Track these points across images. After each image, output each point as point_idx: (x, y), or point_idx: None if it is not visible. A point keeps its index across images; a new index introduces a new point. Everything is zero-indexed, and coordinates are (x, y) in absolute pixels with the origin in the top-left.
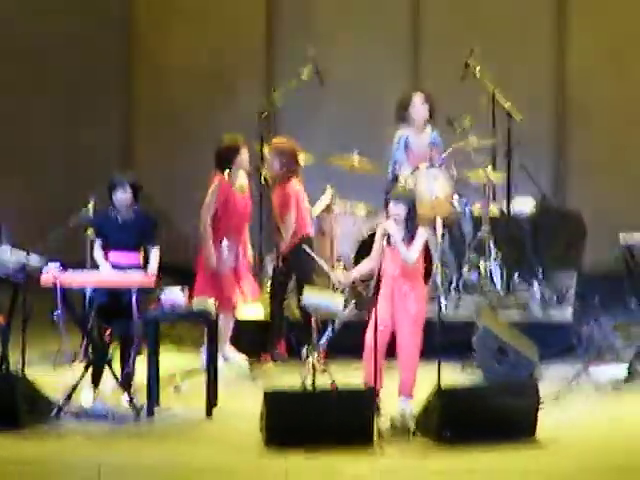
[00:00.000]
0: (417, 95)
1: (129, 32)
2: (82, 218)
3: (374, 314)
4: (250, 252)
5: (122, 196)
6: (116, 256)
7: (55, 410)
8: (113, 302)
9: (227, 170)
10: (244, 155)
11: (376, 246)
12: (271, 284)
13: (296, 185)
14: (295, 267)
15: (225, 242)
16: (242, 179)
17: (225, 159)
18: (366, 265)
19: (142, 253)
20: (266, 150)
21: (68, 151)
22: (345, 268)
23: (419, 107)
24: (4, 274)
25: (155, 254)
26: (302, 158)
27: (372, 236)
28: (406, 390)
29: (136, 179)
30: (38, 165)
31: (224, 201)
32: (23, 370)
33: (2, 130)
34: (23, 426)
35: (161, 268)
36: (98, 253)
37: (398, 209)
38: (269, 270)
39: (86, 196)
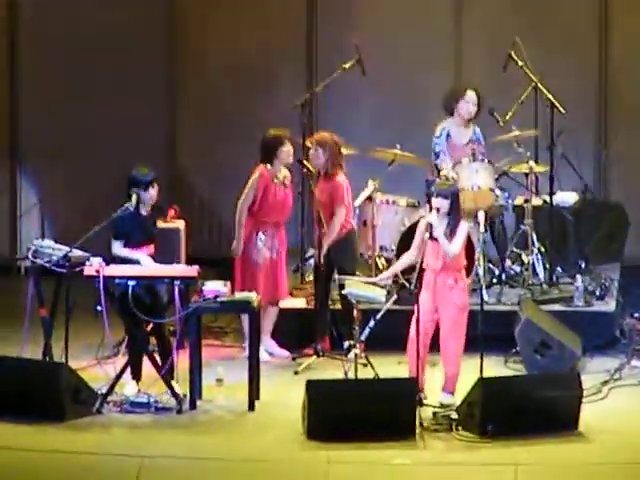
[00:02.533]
0: (470, 90)
1: (174, 25)
2: (124, 213)
3: (417, 307)
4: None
5: (154, 193)
6: (149, 249)
7: (98, 402)
8: (153, 295)
9: (268, 163)
10: (287, 148)
11: (416, 239)
12: (314, 278)
13: (344, 178)
14: (338, 260)
15: (261, 234)
16: (284, 172)
17: (269, 152)
18: (405, 259)
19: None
20: (308, 143)
21: (114, 149)
22: (386, 259)
23: (469, 102)
24: (48, 265)
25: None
26: (345, 151)
27: (414, 227)
28: (449, 384)
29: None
30: (83, 161)
31: (263, 193)
32: (67, 361)
33: (47, 126)
34: (67, 417)
35: (202, 262)
36: (124, 250)
37: (440, 202)
38: (312, 263)
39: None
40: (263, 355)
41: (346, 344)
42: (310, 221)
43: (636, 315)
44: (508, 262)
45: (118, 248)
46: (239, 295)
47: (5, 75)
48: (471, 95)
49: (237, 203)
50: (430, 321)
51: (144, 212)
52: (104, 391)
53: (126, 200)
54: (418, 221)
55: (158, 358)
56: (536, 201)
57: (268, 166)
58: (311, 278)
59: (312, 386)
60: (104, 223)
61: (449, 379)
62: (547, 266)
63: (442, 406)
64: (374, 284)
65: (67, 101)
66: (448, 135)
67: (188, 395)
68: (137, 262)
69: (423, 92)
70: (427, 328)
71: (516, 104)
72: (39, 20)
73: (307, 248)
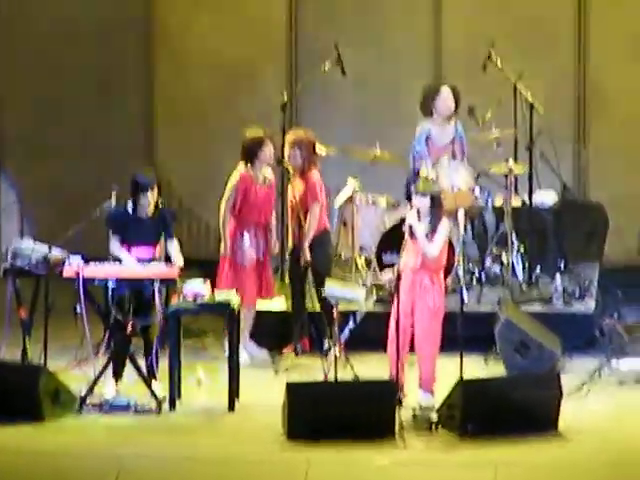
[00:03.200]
0: (444, 87)
1: (152, 22)
2: (103, 212)
3: (396, 307)
4: (276, 246)
5: (150, 197)
6: (136, 251)
7: (77, 403)
8: (135, 295)
9: (249, 163)
10: (268, 148)
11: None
12: (290, 277)
13: (318, 175)
14: (314, 259)
15: (246, 235)
16: (266, 172)
17: (249, 152)
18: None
19: (160, 246)
20: (285, 142)
21: (92, 147)
22: (366, 259)
23: (446, 99)
24: (27, 266)
25: (176, 246)
26: (320, 148)
27: (394, 227)
28: (426, 384)
29: (156, 177)
30: (63, 161)
31: (244, 194)
32: (45, 363)
33: (29, 124)
34: (45, 418)
35: (184, 262)
36: (117, 247)
37: (420, 202)
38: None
39: (109, 189)
40: (243, 356)
41: (326, 345)
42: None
43: (615, 315)
44: (488, 262)
45: (113, 244)
46: (219, 296)
47: None
48: (446, 91)
49: (219, 204)
50: (409, 321)
51: (143, 214)
52: (83, 393)
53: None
54: (401, 222)
55: (142, 359)
56: (515, 201)
57: (249, 166)
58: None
59: (292, 387)
60: (83, 223)
61: (425, 379)
62: (527, 266)
63: (421, 406)
64: (359, 283)
65: (46, 100)
66: (428, 137)
67: (168, 396)
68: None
69: (404, 92)
70: (406, 328)
71: (495, 104)
72: (16, 17)
73: (285, 247)
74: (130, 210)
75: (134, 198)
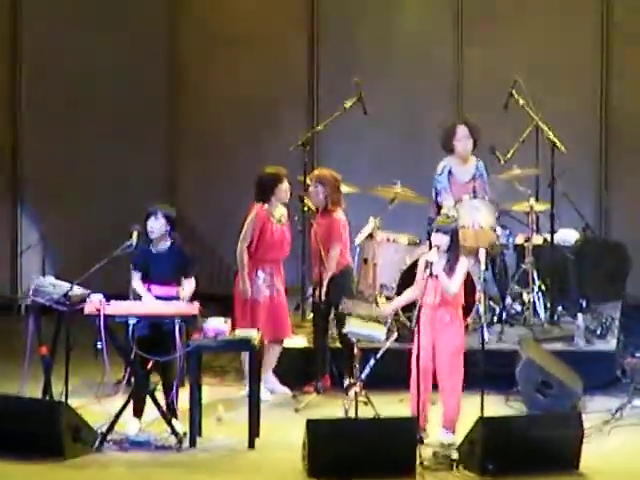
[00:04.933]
0: (460, 127)
1: (174, 64)
2: (125, 250)
3: (417, 345)
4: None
5: (153, 224)
6: (156, 289)
7: (98, 440)
8: (155, 332)
9: (265, 201)
10: (285, 186)
11: (418, 276)
12: (313, 315)
13: (342, 214)
14: (333, 296)
15: (260, 273)
16: (281, 210)
17: (266, 190)
18: (408, 295)
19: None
20: (308, 180)
21: (114, 183)
22: (387, 298)
23: (462, 139)
24: (48, 303)
25: (189, 283)
26: (343, 187)
27: (414, 265)
28: (448, 422)
29: (172, 212)
30: (84, 197)
31: (261, 231)
32: (66, 399)
33: (48, 162)
34: (66, 455)
35: (203, 298)
36: (138, 284)
37: (440, 239)
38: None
39: (129, 227)
40: (264, 393)
41: (346, 382)
42: (309, 258)
43: (637, 354)
44: (509, 301)
45: (134, 280)
46: (240, 333)
47: (7, 110)
48: (462, 131)
49: (237, 242)
50: (430, 359)
51: (153, 249)
52: (104, 430)
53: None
54: (419, 259)
55: (161, 396)
56: (537, 239)
57: (265, 205)
58: (312, 316)
59: (312, 425)
60: (105, 260)
61: (448, 417)
62: (548, 305)
63: (442, 445)
64: (376, 320)
65: (68, 136)
66: (450, 172)
67: (188, 433)
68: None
69: (424, 129)
70: (427, 365)
71: (517, 143)
72: (40, 55)
73: (307, 286)
74: (148, 246)
75: (137, 232)
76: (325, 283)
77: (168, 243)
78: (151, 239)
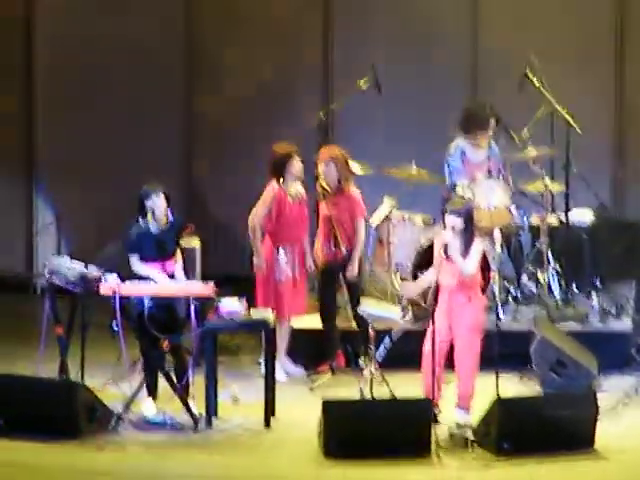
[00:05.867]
0: (491, 121)
1: (190, 47)
2: (140, 230)
3: (432, 325)
4: (310, 262)
5: (157, 202)
6: (169, 266)
7: (114, 420)
8: (169, 313)
9: (279, 179)
10: (297, 163)
11: (436, 257)
12: (321, 295)
13: (358, 191)
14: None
15: (281, 251)
16: (297, 188)
17: (279, 167)
18: (429, 277)
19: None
20: (318, 159)
21: (129, 165)
22: (402, 278)
23: (488, 132)
24: (63, 284)
25: (179, 260)
26: (355, 167)
27: (430, 246)
28: (464, 402)
29: (166, 189)
30: (99, 179)
31: (279, 209)
32: (83, 380)
33: (64, 143)
34: (83, 436)
35: (218, 279)
36: (141, 267)
37: (454, 220)
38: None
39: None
40: (279, 374)
41: (361, 362)
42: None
43: None
44: (524, 280)
45: (134, 263)
46: (255, 313)
47: (22, 91)
48: (491, 124)
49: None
50: (445, 339)
51: (154, 228)
52: (120, 410)
53: (142, 216)
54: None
55: (174, 376)
56: (552, 220)
57: (280, 183)
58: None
59: (328, 405)
60: (120, 240)
61: (463, 396)
62: (563, 284)
63: (458, 424)
64: (394, 300)
65: (83, 117)
66: (463, 152)
67: (204, 414)
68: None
69: (439, 109)
70: (442, 346)
71: (532, 123)
72: (55, 36)
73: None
74: (144, 227)
75: (142, 213)
76: (356, 261)
77: (170, 219)
78: (144, 220)
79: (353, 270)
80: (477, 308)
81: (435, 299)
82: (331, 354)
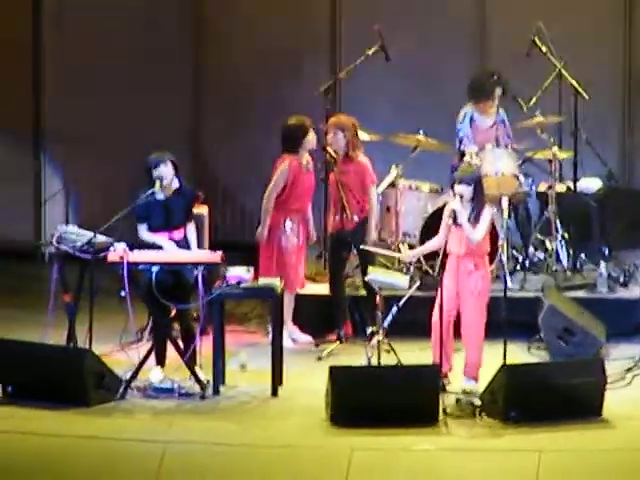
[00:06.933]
0: (498, 90)
1: (196, 16)
2: (148, 198)
3: (440, 293)
4: (313, 231)
5: (165, 170)
6: (176, 234)
7: (122, 387)
8: (177, 280)
9: (294, 152)
10: (312, 136)
11: (443, 225)
12: (330, 263)
13: (366, 158)
14: (355, 241)
15: (289, 222)
16: (307, 158)
17: (294, 140)
18: (433, 243)
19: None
20: (326, 127)
21: (137, 134)
22: (409, 245)
23: (495, 101)
24: (72, 251)
25: (193, 230)
26: (363, 134)
27: (436, 213)
28: (471, 370)
29: (173, 157)
30: (107, 147)
31: (293, 181)
32: (90, 347)
33: (71, 112)
34: (90, 403)
35: (225, 247)
36: (148, 235)
37: (463, 188)
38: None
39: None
40: (286, 341)
41: (369, 330)
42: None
43: None
44: (531, 249)
45: (142, 231)
46: (262, 281)
47: (28, 60)
48: (498, 92)
49: (259, 189)
50: (453, 307)
51: (161, 197)
52: (128, 377)
53: (150, 185)
54: (442, 207)
55: (181, 344)
56: (560, 187)
57: (296, 155)
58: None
59: (335, 372)
60: (128, 208)
61: (470, 364)
62: (570, 253)
63: (465, 392)
64: (398, 266)
65: (90, 85)
66: (472, 119)
67: (211, 381)
68: (161, 247)
69: (447, 77)
70: (450, 314)
71: (540, 90)
72: (63, 3)
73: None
74: (151, 196)
75: (150, 181)
76: (373, 228)
77: (177, 186)
78: (152, 188)
79: (370, 237)
80: (482, 276)
81: (443, 267)
82: (339, 323)
